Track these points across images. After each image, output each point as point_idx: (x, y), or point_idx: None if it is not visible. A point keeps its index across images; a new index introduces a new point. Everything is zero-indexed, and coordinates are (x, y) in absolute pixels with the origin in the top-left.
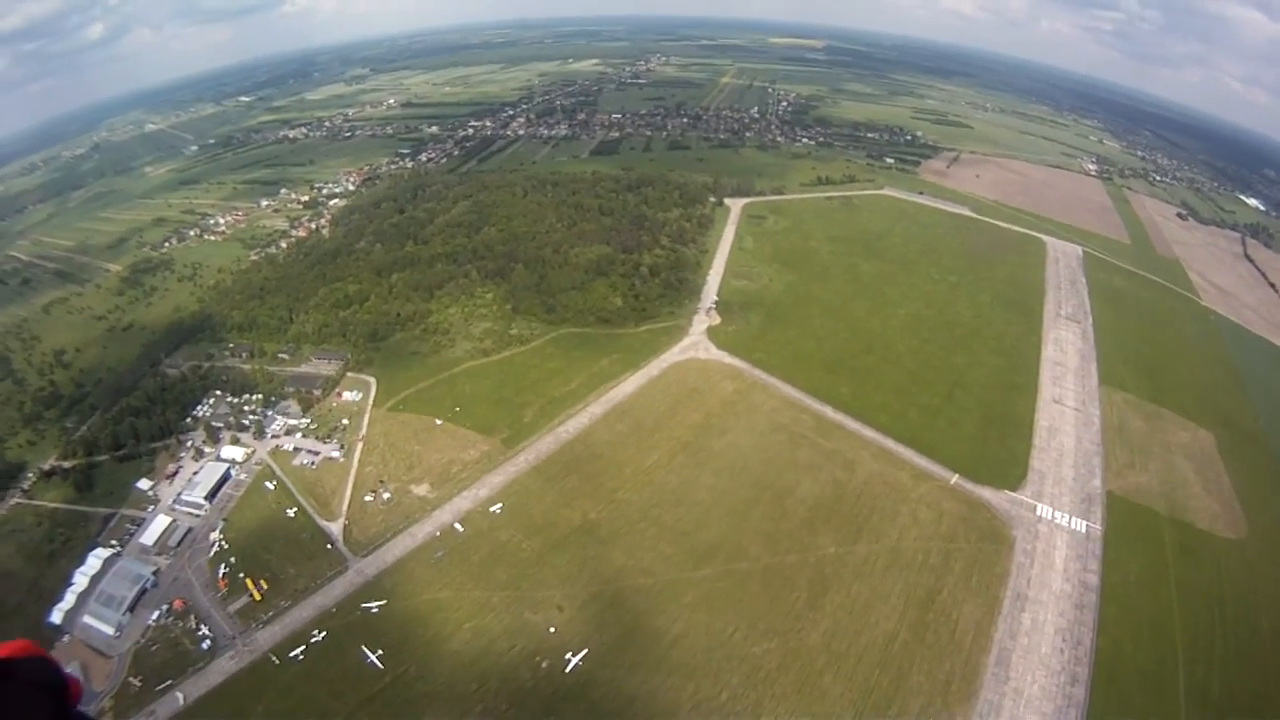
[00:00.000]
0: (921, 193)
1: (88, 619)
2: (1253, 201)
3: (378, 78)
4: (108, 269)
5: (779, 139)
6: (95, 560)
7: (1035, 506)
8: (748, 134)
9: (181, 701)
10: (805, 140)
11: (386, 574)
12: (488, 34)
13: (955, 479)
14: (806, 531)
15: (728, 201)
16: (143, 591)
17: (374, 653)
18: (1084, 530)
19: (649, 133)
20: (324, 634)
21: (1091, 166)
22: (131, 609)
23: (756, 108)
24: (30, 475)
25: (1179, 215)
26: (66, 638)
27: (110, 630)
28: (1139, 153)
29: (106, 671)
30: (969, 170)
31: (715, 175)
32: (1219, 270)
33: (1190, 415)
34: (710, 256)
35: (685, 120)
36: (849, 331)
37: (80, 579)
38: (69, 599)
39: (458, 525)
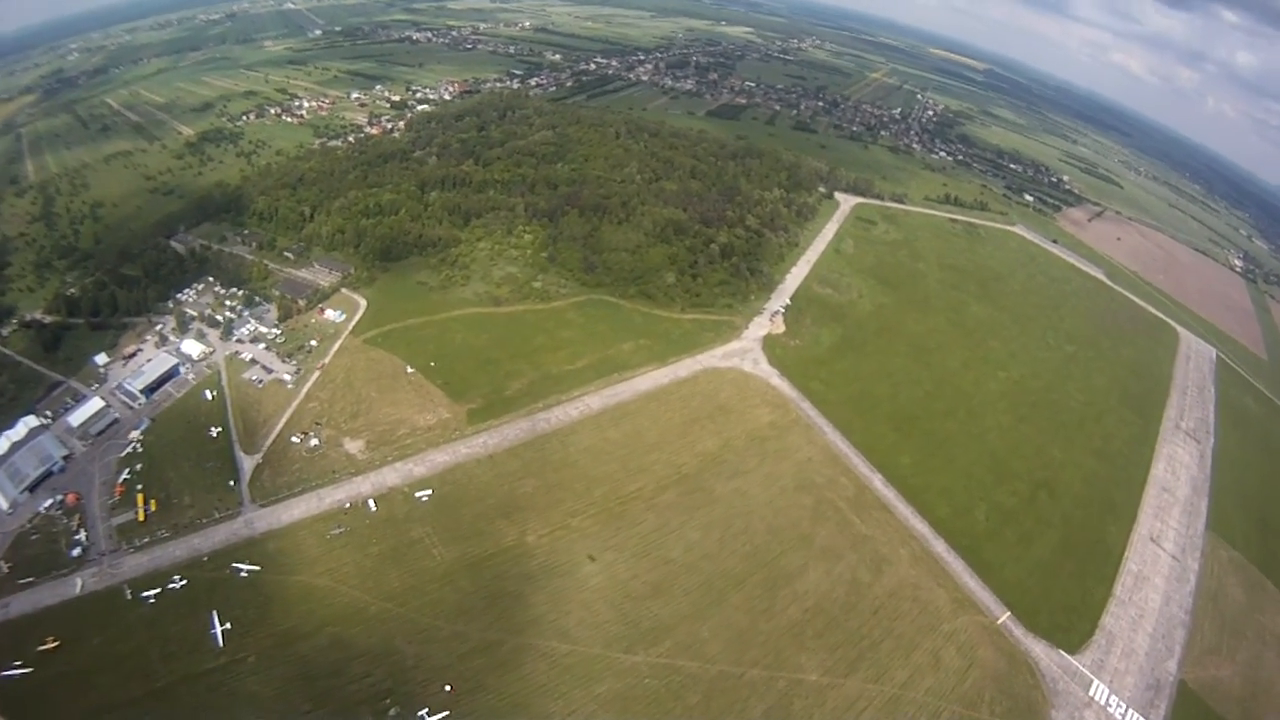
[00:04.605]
0: (1055, 241)
1: None
2: None
3: (524, 0)
4: (180, 131)
5: (915, 146)
6: (23, 427)
7: (1091, 683)
8: (883, 133)
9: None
10: (942, 154)
11: (274, 535)
12: None
13: (1005, 618)
14: (790, 642)
15: (839, 196)
16: (47, 474)
17: (222, 624)
18: None
19: (778, 107)
20: (185, 582)
21: (1237, 262)
22: (32, 489)
23: (900, 109)
24: (14, 321)
25: None
26: None
27: (4, 505)
28: None
29: None
30: (1111, 229)
31: (833, 165)
32: None
33: None
34: (799, 252)
35: (821, 104)
36: (934, 383)
37: (2, 442)
38: None
39: (371, 502)
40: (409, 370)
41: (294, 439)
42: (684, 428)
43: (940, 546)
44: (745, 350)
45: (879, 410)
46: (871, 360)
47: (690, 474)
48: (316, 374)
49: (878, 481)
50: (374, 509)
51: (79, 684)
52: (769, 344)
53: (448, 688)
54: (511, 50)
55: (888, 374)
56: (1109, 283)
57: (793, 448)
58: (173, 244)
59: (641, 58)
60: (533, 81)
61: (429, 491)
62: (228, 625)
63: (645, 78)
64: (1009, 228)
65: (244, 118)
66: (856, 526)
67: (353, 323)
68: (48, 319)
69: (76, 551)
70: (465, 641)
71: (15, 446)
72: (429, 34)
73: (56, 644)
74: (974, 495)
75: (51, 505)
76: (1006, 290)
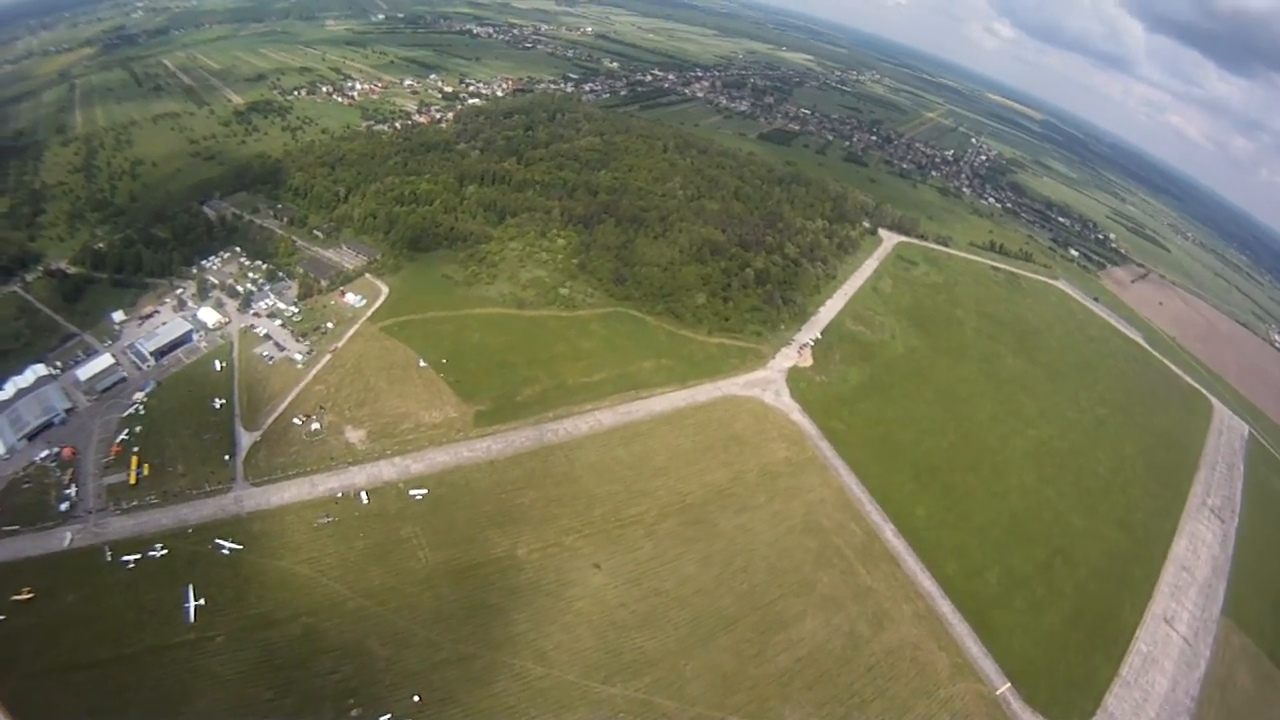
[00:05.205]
0: (1097, 299)
1: None
2: None
3: (589, 6)
4: (230, 99)
5: (964, 189)
6: (31, 374)
7: None
8: (933, 173)
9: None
10: (991, 200)
11: (261, 516)
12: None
13: (1004, 689)
14: (776, 691)
15: (882, 232)
16: (48, 424)
17: (196, 599)
18: None
19: (831, 137)
20: (165, 552)
21: (1278, 337)
22: (31, 438)
23: (953, 151)
24: (40, 269)
25: None
26: None
27: (1, 450)
28: None
29: None
30: (1153, 292)
31: (880, 200)
32: None
33: None
34: (836, 285)
35: (874, 138)
36: (959, 434)
37: (9, 388)
38: None
39: (364, 495)
40: (421, 364)
41: (296, 420)
42: (695, 455)
43: (946, 606)
44: (769, 381)
45: (899, 457)
46: (898, 404)
47: (695, 504)
48: (328, 357)
49: (889, 531)
50: (366, 502)
51: (47, 639)
52: (794, 377)
53: (416, 697)
54: (570, 54)
55: (913, 420)
56: (1147, 347)
57: (805, 487)
58: (205, 209)
59: (699, 74)
60: (587, 87)
61: (424, 490)
62: (201, 601)
63: (700, 94)
64: (1051, 281)
65: (295, 92)
66: (861, 577)
67: (372, 309)
68: (72, 270)
69: (65, 506)
70: (439, 650)
71: (21, 393)
72: (490, 29)
73: (31, 595)
74: (988, 556)
75: (47, 456)
76: (1043, 345)
